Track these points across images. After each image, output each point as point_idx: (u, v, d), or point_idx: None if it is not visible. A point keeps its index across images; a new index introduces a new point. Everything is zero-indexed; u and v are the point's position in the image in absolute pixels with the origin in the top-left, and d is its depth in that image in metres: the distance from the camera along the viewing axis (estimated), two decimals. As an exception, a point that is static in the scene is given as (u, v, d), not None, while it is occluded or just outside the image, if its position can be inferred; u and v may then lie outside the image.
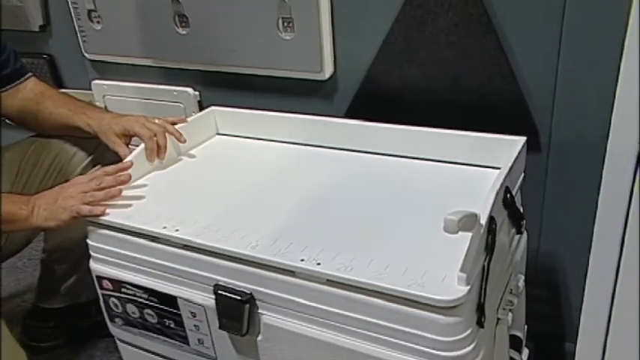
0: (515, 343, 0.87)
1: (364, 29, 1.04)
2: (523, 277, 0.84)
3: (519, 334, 0.89)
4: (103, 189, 0.84)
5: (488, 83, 0.96)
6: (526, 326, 0.95)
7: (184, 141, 0.99)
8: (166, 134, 0.97)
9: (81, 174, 1.09)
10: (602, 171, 0.53)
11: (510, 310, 0.77)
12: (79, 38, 1.36)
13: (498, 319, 0.75)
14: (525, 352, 0.97)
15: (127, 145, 0.98)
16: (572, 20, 0.87)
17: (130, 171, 0.89)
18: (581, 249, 0.60)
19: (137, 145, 0.95)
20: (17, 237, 1.04)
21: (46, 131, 1.10)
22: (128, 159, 0.92)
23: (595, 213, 0.55)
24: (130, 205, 0.85)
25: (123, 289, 0.85)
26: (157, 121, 0.98)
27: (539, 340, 1.05)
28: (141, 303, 0.84)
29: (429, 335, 0.62)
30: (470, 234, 0.61)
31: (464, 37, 0.95)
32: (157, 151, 0.95)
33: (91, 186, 0.84)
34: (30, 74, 1.10)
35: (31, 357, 0.89)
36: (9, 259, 1.09)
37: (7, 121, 1.11)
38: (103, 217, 0.82)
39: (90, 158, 1.10)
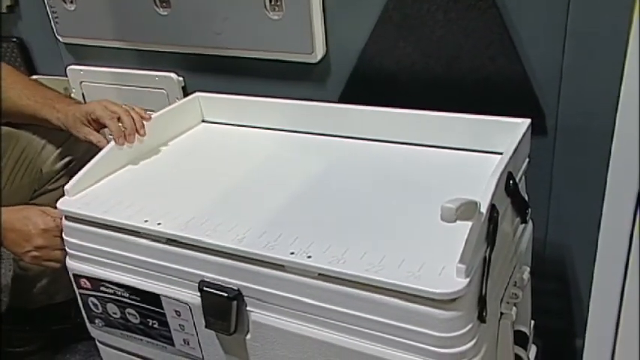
0: (520, 339, 0.88)
1: (357, 7, 1.04)
2: (528, 269, 0.85)
3: (525, 329, 0.90)
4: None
5: (490, 63, 0.97)
6: (533, 321, 0.96)
7: (144, 134, 0.97)
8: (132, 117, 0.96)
9: (51, 166, 1.10)
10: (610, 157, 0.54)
11: (515, 304, 0.78)
12: (51, 20, 1.36)
13: (502, 313, 0.76)
14: (533, 349, 0.99)
15: (98, 131, 0.98)
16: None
17: None
18: (592, 239, 0.61)
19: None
20: None
21: (12, 120, 1.10)
22: (106, 149, 0.92)
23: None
24: (108, 198, 0.85)
25: (102, 288, 0.86)
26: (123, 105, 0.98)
27: (548, 336, 1.06)
28: (122, 302, 0.85)
29: (427, 331, 0.63)
30: (470, 223, 0.62)
31: (464, 14, 0.96)
32: (124, 134, 0.94)
33: (48, 240, 0.90)
34: None
35: (6, 363, 0.91)
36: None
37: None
38: (79, 212, 0.83)
39: (61, 149, 1.11)
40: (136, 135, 0.95)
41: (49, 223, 0.90)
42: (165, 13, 1.21)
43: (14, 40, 1.47)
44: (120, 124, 0.94)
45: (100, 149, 0.94)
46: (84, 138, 0.98)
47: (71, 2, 1.31)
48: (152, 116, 0.99)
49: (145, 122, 0.97)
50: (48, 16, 1.36)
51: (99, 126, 0.97)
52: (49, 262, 0.92)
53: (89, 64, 1.38)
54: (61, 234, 0.89)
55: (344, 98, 1.12)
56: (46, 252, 0.90)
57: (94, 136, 0.97)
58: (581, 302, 1.07)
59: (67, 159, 1.11)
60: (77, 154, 1.10)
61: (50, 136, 1.10)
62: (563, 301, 1.08)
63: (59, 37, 1.38)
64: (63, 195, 0.87)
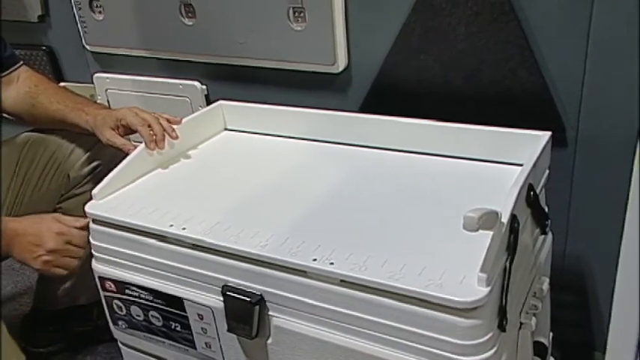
0: (539, 350, 0.88)
1: (379, 19, 1.06)
2: (548, 280, 0.85)
3: (544, 340, 0.90)
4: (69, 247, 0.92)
5: (510, 76, 0.98)
6: (552, 333, 0.96)
7: (176, 137, 0.98)
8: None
9: (78, 171, 1.12)
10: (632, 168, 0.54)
11: (534, 315, 0.79)
12: (80, 29, 1.39)
13: (521, 323, 0.77)
14: (551, 361, 0.98)
15: (124, 137, 0.99)
16: (601, 6, 0.88)
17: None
18: (611, 251, 0.61)
19: (140, 142, 0.97)
20: None
21: (42, 126, 1.12)
22: (132, 155, 0.94)
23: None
24: (134, 203, 0.87)
25: (127, 291, 0.87)
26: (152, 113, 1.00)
27: (567, 348, 1.06)
28: (146, 305, 0.86)
29: (448, 338, 0.63)
30: (490, 233, 0.63)
31: (485, 27, 0.96)
32: (155, 140, 0.95)
33: (60, 244, 0.91)
34: (21, 63, 1.12)
35: (29, 363, 0.92)
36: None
37: (3, 115, 1.14)
38: (106, 215, 0.85)
39: (88, 155, 1.13)
40: (167, 140, 0.97)
41: (62, 228, 0.92)
42: (191, 23, 1.23)
43: (44, 48, 1.50)
44: (150, 132, 0.96)
45: (124, 153, 0.96)
46: (106, 141, 0.99)
47: (100, 12, 1.34)
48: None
49: (175, 126, 0.99)
50: (77, 25, 1.39)
51: (127, 132, 0.99)
52: (57, 269, 0.93)
53: (115, 71, 1.41)
54: (76, 241, 0.91)
55: (365, 108, 1.13)
56: (56, 256, 0.91)
57: (118, 140, 0.98)
58: (599, 315, 1.07)
59: (93, 164, 1.13)
60: (104, 159, 1.12)
61: (79, 141, 1.12)
62: (582, 313, 1.08)
63: (87, 46, 1.41)
64: (89, 199, 0.88)
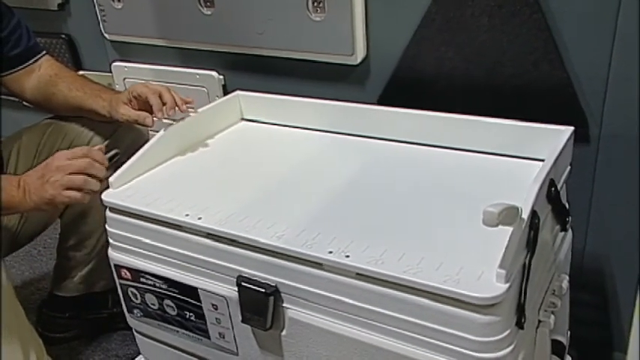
0: (557, 349, 0.86)
1: (399, 10, 1.04)
2: (567, 278, 0.84)
3: (562, 339, 0.89)
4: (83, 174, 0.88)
5: (533, 69, 0.96)
6: (569, 332, 0.95)
7: (185, 110, 0.98)
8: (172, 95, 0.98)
9: None
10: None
11: (553, 313, 0.77)
12: (99, 18, 1.39)
13: (539, 321, 0.75)
14: (568, 359, 0.97)
15: (140, 110, 1.00)
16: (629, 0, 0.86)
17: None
18: (632, 250, 0.60)
19: (156, 133, 0.97)
20: (35, 220, 1.09)
21: (61, 113, 1.14)
22: (149, 144, 0.94)
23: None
24: (151, 192, 0.87)
25: (142, 279, 0.88)
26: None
27: (585, 347, 1.04)
28: (160, 294, 0.86)
29: (465, 335, 0.62)
30: (510, 228, 0.62)
31: (508, 19, 0.95)
32: (164, 108, 0.96)
33: (75, 166, 0.87)
34: (44, 52, 1.13)
35: (46, 347, 0.93)
36: (27, 244, 1.14)
37: (23, 102, 1.15)
38: (122, 204, 0.85)
39: (105, 143, 1.13)
40: (183, 129, 0.97)
41: (67, 152, 0.90)
42: (209, 12, 1.23)
43: (63, 36, 1.51)
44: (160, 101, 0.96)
45: (142, 132, 0.96)
46: (121, 117, 0.99)
47: (119, 1, 1.34)
48: (192, 114, 1.01)
49: (188, 107, 0.99)
50: (96, 14, 1.39)
51: (140, 105, 0.99)
52: (69, 192, 0.88)
53: (133, 60, 1.42)
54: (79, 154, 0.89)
55: (383, 100, 1.12)
56: (61, 175, 0.87)
57: (132, 112, 0.99)
58: (619, 314, 1.05)
59: (111, 152, 1.13)
60: (122, 148, 1.12)
61: (97, 129, 1.13)
62: (601, 312, 1.06)
63: (106, 35, 1.42)
64: (106, 188, 0.89)
